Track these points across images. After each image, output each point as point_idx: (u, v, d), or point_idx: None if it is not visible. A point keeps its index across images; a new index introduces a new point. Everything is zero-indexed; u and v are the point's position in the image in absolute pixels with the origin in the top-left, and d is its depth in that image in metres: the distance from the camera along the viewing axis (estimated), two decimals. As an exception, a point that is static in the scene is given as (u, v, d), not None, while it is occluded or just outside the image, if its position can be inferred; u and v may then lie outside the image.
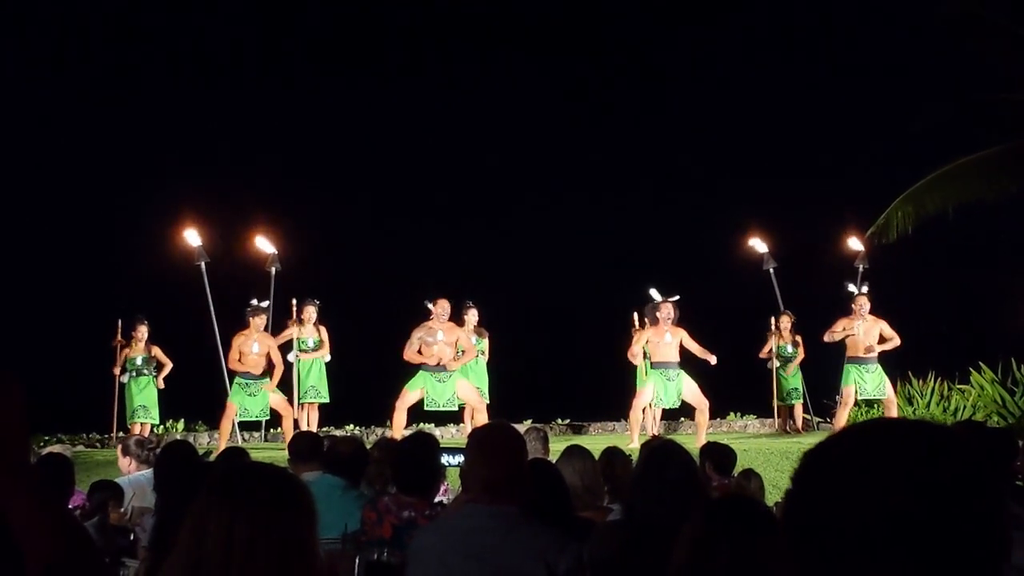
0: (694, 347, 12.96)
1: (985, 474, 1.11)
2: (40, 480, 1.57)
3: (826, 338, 13.64)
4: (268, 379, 13.01)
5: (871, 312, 13.45)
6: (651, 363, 13.17)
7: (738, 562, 2.63)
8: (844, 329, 13.38)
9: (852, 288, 14.07)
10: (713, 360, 12.88)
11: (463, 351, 12.70)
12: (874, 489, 1.10)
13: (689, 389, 12.89)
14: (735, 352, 13.30)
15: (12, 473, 1.52)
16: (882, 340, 13.44)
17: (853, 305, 13.49)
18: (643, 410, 13.27)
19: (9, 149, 19.94)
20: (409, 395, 12.49)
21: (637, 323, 13.98)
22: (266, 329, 13.28)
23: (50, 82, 21.31)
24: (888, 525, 1.08)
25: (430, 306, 12.56)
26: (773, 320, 14.82)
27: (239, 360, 12.95)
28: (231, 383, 13.28)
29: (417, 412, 13.12)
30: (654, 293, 13.41)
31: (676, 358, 12.95)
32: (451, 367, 12.47)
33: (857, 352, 13.27)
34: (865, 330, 13.29)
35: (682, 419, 15.20)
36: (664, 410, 13.50)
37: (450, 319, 12.77)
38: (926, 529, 1.07)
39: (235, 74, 22.50)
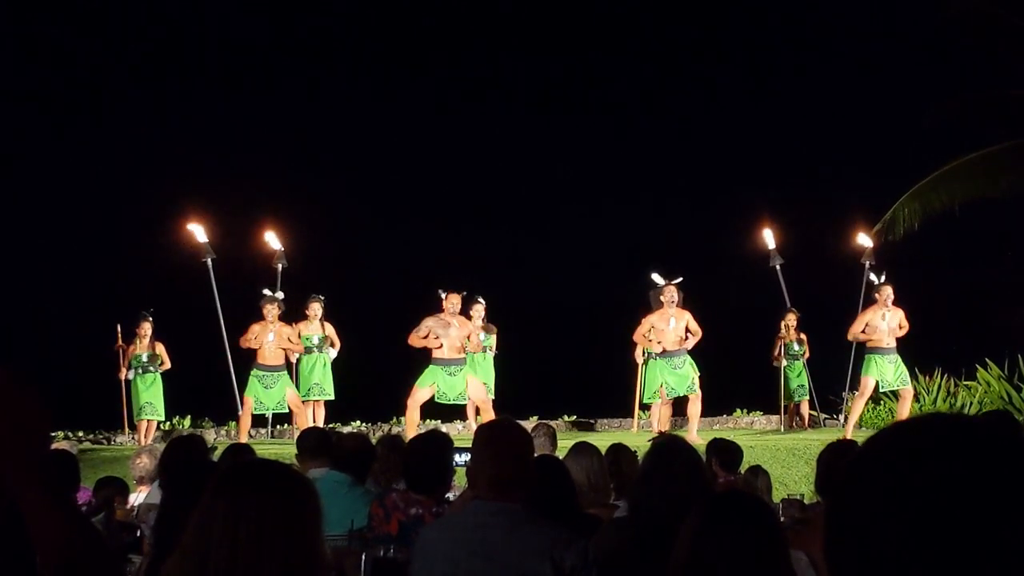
0: (694, 329, 12.88)
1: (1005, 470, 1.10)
2: (55, 478, 1.58)
3: (850, 337, 13.35)
4: (285, 371, 13.03)
5: (894, 303, 13.18)
6: (656, 353, 13.10)
7: (738, 557, 2.63)
8: (868, 325, 13.08)
9: (874, 278, 13.88)
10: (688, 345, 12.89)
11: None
12: (922, 491, 1.09)
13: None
14: (740, 349, 13.27)
15: (29, 470, 1.53)
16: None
17: (877, 295, 13.23)
18: (653, 405, 13.31)
19: (12, 147, 19.98)
20: (420, 392, 12.46)
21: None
22: (281, 319, 13.23)
23: (53, 76, 21.34)
24: (932, 528, 1.07)
25: (443, 296, 12.53)
26: (783, 323, 14.75)
27: (256, 352, 12.87)
28: (235, 372, 13.28)
29: (423, 408, 13.10)
30: (656, 277, 13.31)
31: (682, 344, 12.90)
32: (472, 349, 12.53)
33: (880, 343, 13.03)
34: (889, 320, 13.09)
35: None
36: (673, 406, 13.49)
37: (459, 315, 12.77)
38: (971, 533, 1.06)
39: (243, 71, 22.52)
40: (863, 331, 13.08)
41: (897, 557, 1.08)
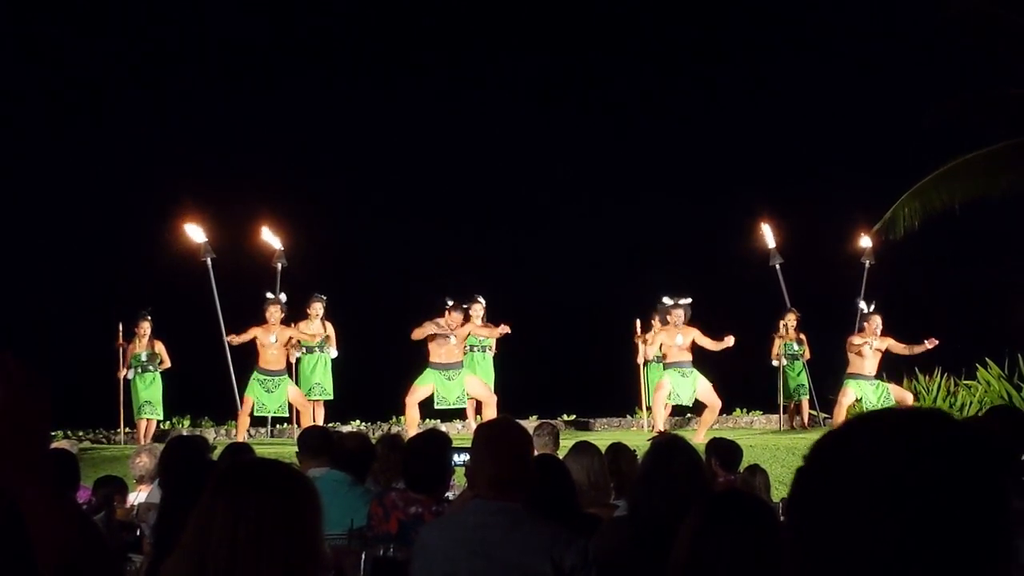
0: (707, 343, 13.03)
1: (990, 469, 1.10)
2: (55, 476, 1.58)
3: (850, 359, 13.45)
4: (286, 375, 13.07)
5: (883, 334, 13.34)
6: (664, 364, 13.29)
7: (738, 557, 2.63)
8: (860, 345, 13.24)
9: (863, 305, 13.97)
10: (730, 340, 12.91)
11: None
12: (876, 478, 1.10)
13: (703, 387, 12.97)
14: (741, 348, 13.30)
15: (30, 469, 1.53)
16: (888, 352, 13.40)
17: (866, 324, 13.39)
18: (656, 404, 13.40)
19: (13, 147, 19.97)
20: (419, 391, 12.52)
21: (639, 330, 14.06)
22: (284, 322, 13.27)
23: (53, 76, 21.33)
24: (888, 516, 1.08)
25: (449, 304, 12.60)
26: (780, 321, 14.82)
27: (257, 355, 12.91)
28: (235, 372, 13.30)
29: (423, 409, 13.12)
30: (666, 300, 13.53)
31: (688, 357, 13.03)
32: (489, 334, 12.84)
33: (861, 369, 13.23)
34: (875, 350, 13.25)
35: (689, 415, 15.22)
36: (673, 406, 13.54)
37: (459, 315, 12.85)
38: (925, 521, 1.07)
39: (243, 71, 22.51)
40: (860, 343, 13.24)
41: (853, 551, 1.09)
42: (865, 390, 13.20)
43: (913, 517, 1.07)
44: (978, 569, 1.07)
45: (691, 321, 13.23)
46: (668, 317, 13.18)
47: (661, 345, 13.27)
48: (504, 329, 12.92)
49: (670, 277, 13.56)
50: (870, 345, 13.14)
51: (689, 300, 13.28)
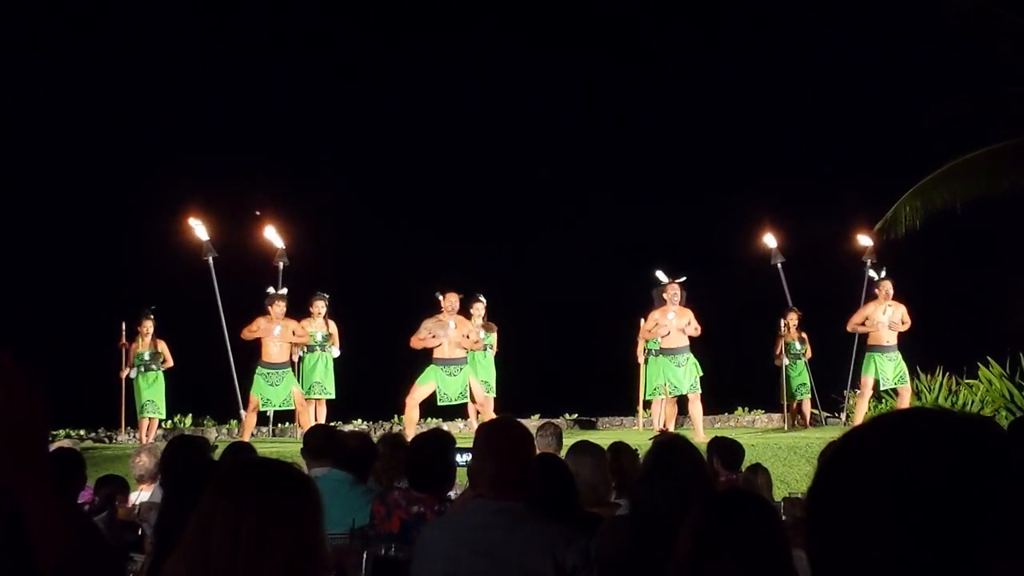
0: (692, 331, 12.97)
1: (989, 470, 1.10)
2: (55, 477, 1.58)
3: (849, 328, 13.45)
4: (290, 369, 13.08)
5: (894, 298, 13.32)
6: (660, 349, 13.21)
7: (739, 556, 2.63)
8: (867, 319, 13.23)
9: (873, 273, 13.97)
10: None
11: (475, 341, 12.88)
12: (877, 480, 1.09)
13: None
14: (742, 347, 13.30)
15: (30, 470, 1.53)
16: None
17: (877, 291, 13.38)
18: (655, 402, 13.39)
19: (15, 144, 19.97)
20: (420, 390, 12.51)
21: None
22: (287, 316, 13.28)
23: (52, 76, 21.33)
24: (889, 517, 1.08)
25: (440, 298, 12.60)
26: (782, 320, 14.82)
27: (260, 349, 12.92)
28: (236, 370, 13.30)
29: (424, 408, 13.12)
30: (660, 275, 13.42)
31: (685, 341, 12.97)
32: (473, 346, 12.57)
33: (879, 340, 13.15)
34: (890, 315, 13.20)
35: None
36: (677, 404, 13.52)
37: (459, 313, 12.82)
38: (925, 523, 1.07)
39: (244, 68, 22.52)
40: (863, 324, 13.19)
41: (876, 553, 1.08)
42: (884, 367, 13.04)
43: (913, 518, 1.07)
44: (979, 570, 1.06)
45: (688, 306, 13.16)
46: (664, 295, 13.09)
47: (656, 324, 13.17)
48: (476, 347, 12.92)
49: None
50: (884, 310, 13.06)
51: (684, 278, 13.21)
